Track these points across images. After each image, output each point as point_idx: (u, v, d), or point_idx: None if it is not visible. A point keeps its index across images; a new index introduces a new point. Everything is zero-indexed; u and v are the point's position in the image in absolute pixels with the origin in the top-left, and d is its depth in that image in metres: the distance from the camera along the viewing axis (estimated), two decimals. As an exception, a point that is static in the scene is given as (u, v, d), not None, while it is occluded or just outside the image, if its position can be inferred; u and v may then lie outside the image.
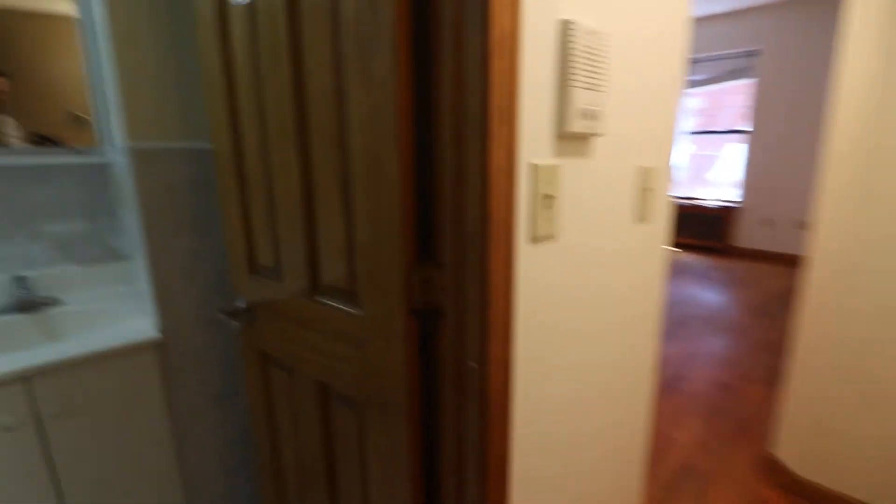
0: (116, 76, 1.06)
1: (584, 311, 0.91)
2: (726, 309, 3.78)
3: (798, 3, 4.91)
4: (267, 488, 1.24)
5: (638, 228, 1.04)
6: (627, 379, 1.15)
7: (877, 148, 1.40)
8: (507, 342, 0.69)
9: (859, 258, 1.47)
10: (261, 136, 0.90)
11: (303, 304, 0.91)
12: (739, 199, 5.65)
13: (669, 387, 2.53)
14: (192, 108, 1.16)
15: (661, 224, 1.14)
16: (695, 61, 5.65)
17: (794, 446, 1.71)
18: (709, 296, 4.14)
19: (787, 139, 5.20)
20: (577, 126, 0.74)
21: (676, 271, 4.96)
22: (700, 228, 5.86)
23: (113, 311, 1.36)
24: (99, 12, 1.07)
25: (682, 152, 6.25)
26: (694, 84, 5.77)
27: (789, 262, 5.21)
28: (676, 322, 3.49)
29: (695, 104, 6.04)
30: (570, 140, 0.77)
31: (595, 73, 0.76)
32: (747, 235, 5.65)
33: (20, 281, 1.32)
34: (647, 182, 1.02)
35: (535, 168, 0.69)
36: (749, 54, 5.30)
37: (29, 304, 1.32)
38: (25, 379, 1.03)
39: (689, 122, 6.10)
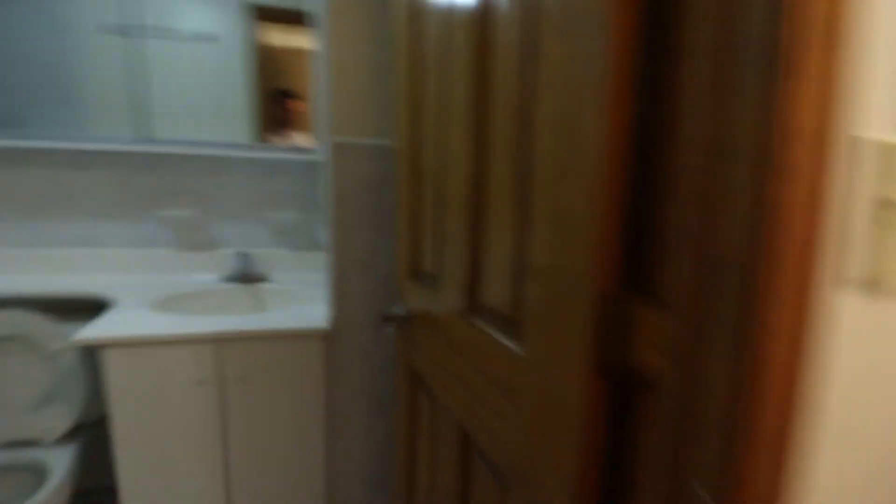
0: (330, 78, 1.11)
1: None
2: None
3: None
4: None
5: None
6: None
7: None
8: (781, 468, 0.35)
9: None
10: (439, 130, 0.79)
11: (456, 323, 0.75)
12: None
13: None
14: (384, 106, 1.16)
15: None
16: None
17: None
18: None
19: None
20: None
21: None
22: None
23: (307, 296, 1.45)
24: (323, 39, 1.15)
25: None
26: None
27: None
28: None
29: None
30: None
31: None
32: None
33: (244, 256, 1.52)
34: None
35: (879, 148, 0.34)
36: None
37: (247, 276, 1.51)
38: (218, 342, 1.13)
39: None
